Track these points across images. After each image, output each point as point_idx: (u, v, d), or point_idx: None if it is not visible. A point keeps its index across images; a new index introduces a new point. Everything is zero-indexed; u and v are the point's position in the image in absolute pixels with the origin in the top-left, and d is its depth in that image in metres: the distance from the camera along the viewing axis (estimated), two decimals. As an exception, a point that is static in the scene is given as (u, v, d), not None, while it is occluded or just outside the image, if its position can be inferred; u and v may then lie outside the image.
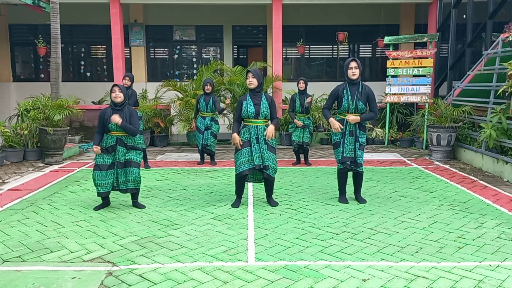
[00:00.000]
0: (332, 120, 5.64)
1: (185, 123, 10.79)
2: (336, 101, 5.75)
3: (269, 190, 5.83)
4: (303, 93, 8.27)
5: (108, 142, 5.43)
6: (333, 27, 14.09)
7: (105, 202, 5.68)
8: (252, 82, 5.51)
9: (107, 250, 4.24)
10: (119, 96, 5.35)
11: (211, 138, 8.31)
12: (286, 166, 8.34)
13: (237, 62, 14.25)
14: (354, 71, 5.54)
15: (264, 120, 5.54)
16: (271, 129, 5.46)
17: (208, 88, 8.25)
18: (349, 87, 5.59)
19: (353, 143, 5.65)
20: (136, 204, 5.71)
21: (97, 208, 5.60)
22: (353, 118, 5.54)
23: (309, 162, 8.58)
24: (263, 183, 5.87)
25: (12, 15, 13.99)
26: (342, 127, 5.60)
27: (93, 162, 7.63)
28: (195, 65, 14.50)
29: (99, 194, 5.50)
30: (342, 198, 5.89)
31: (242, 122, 5.61)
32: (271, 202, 5.81)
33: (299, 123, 8.18)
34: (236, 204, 5.72)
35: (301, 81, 8.30)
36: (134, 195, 5.70)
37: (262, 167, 5.53)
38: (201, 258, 4.03)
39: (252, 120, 5.52)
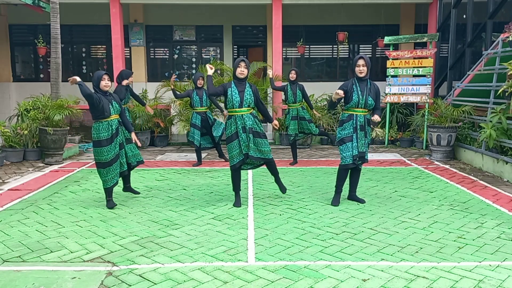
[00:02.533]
0: (335, 92, 5.54)
1: (185, 123, 10.78)
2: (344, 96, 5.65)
3: (273, 172, 5.94)
4: (294, 83, 8.31)
5: (112, 128, 5.48)
6: (333, 27, 14.09)
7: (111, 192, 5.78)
8: (243, 72, 5.54)
9: (107, 250, 4.24)
10: (108, 85, 5.53)
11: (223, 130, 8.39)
12: (286, 166, 8.34)
13: (237, 62, 14.23)
14: (361, 69, 5.51)
15: (248, 108, 5.57)
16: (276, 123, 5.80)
17: (200, 82, 8.28)
18: (358, 83, 5.58)
19: (363, 138, 5.63)
20: (131, 190, 5.93)
21: (111, 205, 5.63)
22: (376, 117, 5.57)
23: (297, 161, 8.62)
24: (261, 170, 6.12)
25: (12, 15, 13.99)
26: (341, 92, 5.49)
27: (94, 162, 7.53)
28: (194, 65, 14.51)
29: (111, 187, 5.62)
30: (337, 199, 5.77)
31: (226, 112, 5.72)
32: (281, 187, 6.01)
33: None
34: (238, 203, 5.72)
35: (293, 71, 8.33)
36: (128, 178, 5.92)
37: (252, 157, 5.58)
38: (201, 258, 4.03)
39: (237, 109, 5.53)
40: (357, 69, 5.54)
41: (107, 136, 5.47)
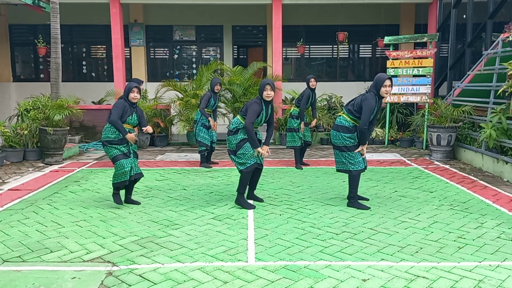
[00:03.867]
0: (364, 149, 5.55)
1: (185, 123, 10.78)
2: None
3: (256, 181, 5.95)
4: (313, 91, 8.24)
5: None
6: (333, 27, 14.09)
7: (118, 193, 5.77)
8: (270, 94, 5.46)
9: (107, 250, 4.24)
10: (137, 98, 5.61)
11: (216, 135, 8.35)
12: (286, 166, 8.34)
13: (237, 62, 14.26)
14: (388, 89, 5.29)
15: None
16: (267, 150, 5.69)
17: (218, 88, 8.29)
18: (379, 102, 5.44)
19: None
20: (131, 201, 5.84)
21: (119, 201, 5.66)
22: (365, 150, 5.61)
23: (304, 163, 8.48)
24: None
25: (12, 15, 13.99)
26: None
27: (95, 162, 7.67)
28: (195, 65, 14.51)
29: (123, 182, 5.60)
30: (362, 204, 5.66)
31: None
32: (257, 197, 5.95)
33: (302, 127, 8.09)
34: (250, 205, 5.65)
35: (313, 79, 8.13)
36: (130, 189, 5.87)
37: (262, 161, 5.73)
38: (201, 258, 4.03)
39: (257, 126, 5.64)
40: (383, 89, 5.27)
41: (113, 138, 5.56)
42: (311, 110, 8.54)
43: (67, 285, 3.52)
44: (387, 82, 5.27)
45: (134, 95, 5.55)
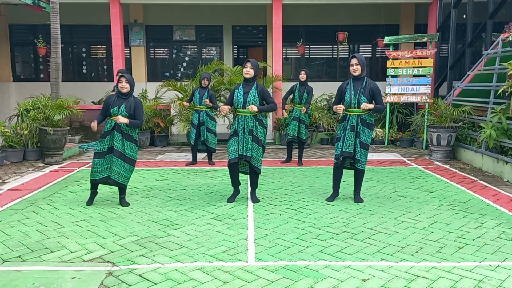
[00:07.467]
0: (335, 106, 5.69)
1: (185, 123, 10.77)
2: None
3: (252, 183, 5.92)
4: (303, 84, 8.26)
5: (106, 126, 5.56)
6: (333, 27, 14.10)
7: (94, 193, 5.77)
8: (249, 72, 5.63)
9: (107, 250, 4.24)
10: (125, 87, 5.49)
11: (208, 134, 8.18)
12: (286, 166, 8.34)
13: (237, 62, 14.26)
14: (355, 68, 5.57)
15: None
16: (253, 106, 5.51)
17: (205, 82, 8.25)
18: (353, 83, 5.65)
19: (353, 138, 5.64)
20: (122, 202, 5.76)
21: (89, 203, 5.72)
22: (364, 105, 5.49)
23: (302, 162, 8.46)
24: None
25: (12, 15, 14.00)
26: (343, 107, 5.64)
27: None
28: (196, 65, 14.51)
29: (93, 181, 5.63)
30: (331, 196, 5.93)
31: (226, 108, 5.70)
32: (253, 198, 5.88)
33: (285, 114, 8.46)
34: (232, 198, 5.84)
35: (303, 72, 8.29)
36: (122, 190, 5.77)
37: (245, 157, 5.62)
38: (201, 258, 4.03)
39: (240, 109, 5.64)
40: (351, 68, 5.62)
41: (103, 131, 5.61)
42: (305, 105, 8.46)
43: (67, 285, 3.52)
44: (353, 61, 5.59)
45: (121, 85, 5.46)
